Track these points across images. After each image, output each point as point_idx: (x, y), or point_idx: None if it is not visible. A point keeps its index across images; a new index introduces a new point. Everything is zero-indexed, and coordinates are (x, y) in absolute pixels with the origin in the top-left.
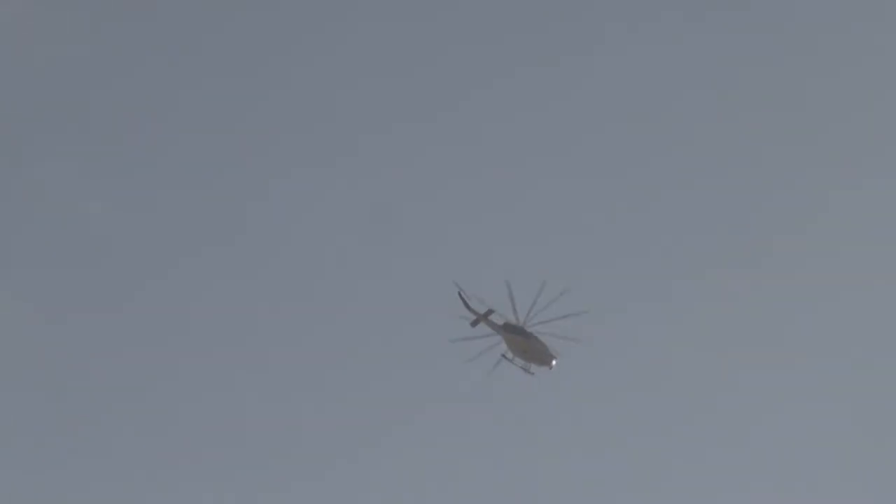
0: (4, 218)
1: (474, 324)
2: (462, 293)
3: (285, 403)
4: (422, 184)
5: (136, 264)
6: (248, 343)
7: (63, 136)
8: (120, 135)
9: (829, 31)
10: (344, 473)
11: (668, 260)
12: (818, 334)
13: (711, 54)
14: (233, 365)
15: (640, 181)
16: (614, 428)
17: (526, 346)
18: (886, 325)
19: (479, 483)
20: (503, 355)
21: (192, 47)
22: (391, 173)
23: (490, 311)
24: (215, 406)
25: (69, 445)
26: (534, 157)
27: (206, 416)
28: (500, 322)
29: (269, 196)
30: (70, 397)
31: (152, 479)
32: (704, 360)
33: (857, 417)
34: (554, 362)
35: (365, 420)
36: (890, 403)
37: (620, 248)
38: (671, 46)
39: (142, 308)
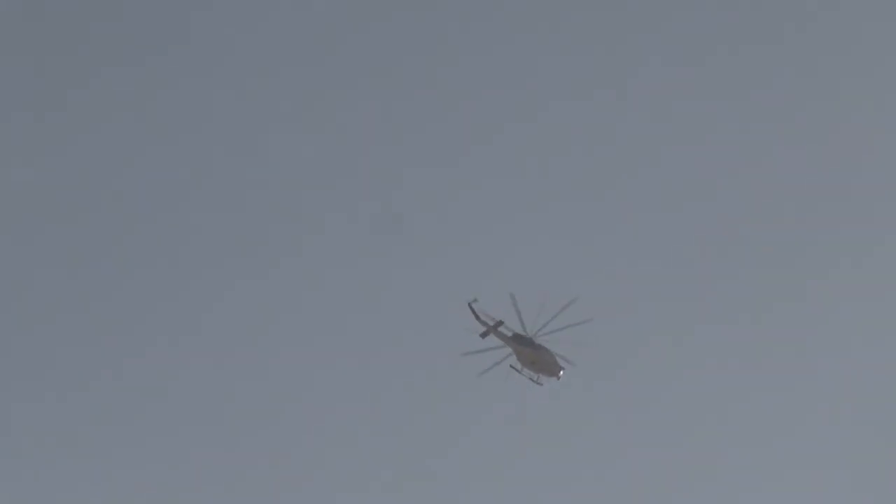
0: None
1: (484, 335)
2: (472, 305)
3: (279, 405)
4: (430, 190)
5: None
6: (245, 345)
7: None
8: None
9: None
10: (346, 477)
11: (670, 265)
12: (822, 337)
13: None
14: (230, 366)
15: (650, 185)
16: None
17: (535, 357)
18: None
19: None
20: (512, 366)
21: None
22: (397, 179)
23: (500, 323)
24: (207, 410)
25: None
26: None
27: (194, 420)
28: (510, 333)
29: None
30: None
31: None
32: (708, 366)
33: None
34: (562, 373)
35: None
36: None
37: (628, 255)
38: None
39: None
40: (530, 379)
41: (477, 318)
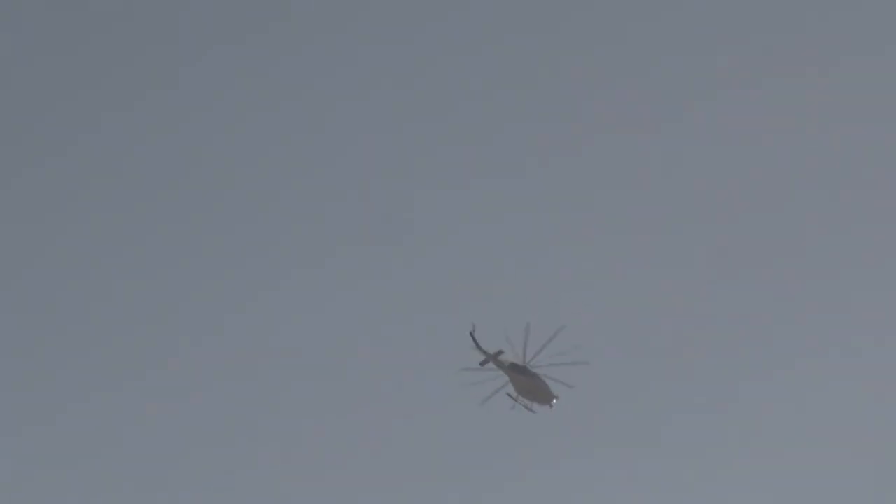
0: None
1: (483, 363)
2: (473, 333)
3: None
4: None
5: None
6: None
7: None
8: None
9: None
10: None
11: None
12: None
13: None
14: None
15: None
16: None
17: (531, 385)
18: None
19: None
20: (508, 394)
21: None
22: (395, 182)
23: (500, 352)
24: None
25: None
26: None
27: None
28: (507, 363)
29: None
30: None
31: None
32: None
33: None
34: (554, 401)
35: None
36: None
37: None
38: None
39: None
40: (525, 406)
41: (478, 346)
